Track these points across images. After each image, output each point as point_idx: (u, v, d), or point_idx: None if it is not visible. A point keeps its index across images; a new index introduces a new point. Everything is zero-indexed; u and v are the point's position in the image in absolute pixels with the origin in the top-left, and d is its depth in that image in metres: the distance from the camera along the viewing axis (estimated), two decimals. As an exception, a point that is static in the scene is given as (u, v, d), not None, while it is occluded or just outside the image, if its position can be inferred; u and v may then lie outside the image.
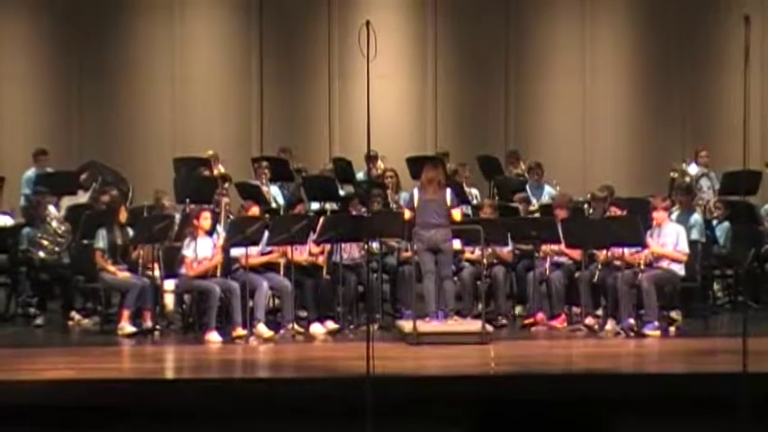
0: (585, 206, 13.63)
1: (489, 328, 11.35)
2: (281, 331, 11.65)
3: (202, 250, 11.64)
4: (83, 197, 14.49)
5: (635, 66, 18.32)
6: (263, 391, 9.20)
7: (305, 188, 14.39)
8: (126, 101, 17.75)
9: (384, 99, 16.86)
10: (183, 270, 11.70)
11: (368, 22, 8.17)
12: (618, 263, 11.83)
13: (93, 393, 8.97)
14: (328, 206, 13.92)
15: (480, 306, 11.86)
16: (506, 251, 12.54)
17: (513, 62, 18.21)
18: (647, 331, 11.54)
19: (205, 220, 11.73)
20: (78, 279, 12.42)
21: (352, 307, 12.38)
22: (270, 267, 11.94)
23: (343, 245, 12.17)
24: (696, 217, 12.97)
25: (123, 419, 8.51)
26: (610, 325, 11.79)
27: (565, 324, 12.17)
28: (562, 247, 12.22)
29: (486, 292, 12.09)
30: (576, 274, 12.16)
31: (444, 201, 11.71)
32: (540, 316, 12.16)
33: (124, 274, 11.88)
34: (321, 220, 12.03)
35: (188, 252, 11.63)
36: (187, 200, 13.38)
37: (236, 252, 11.76)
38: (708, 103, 18.12)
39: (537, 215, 13.58)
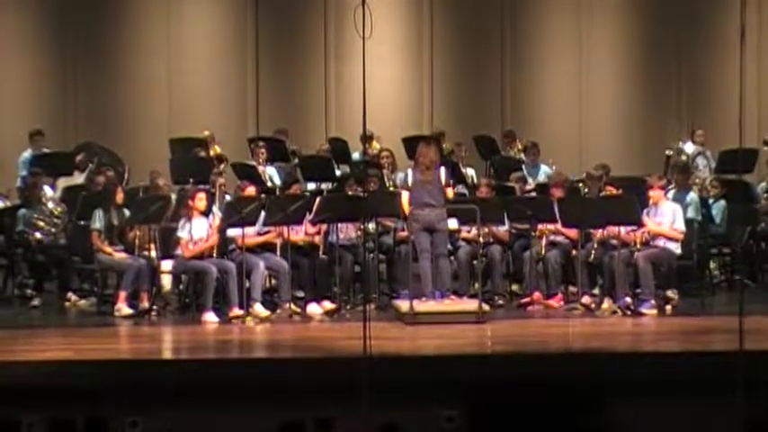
0: (581, 185, 13.62)
1: (486, 307, 11.36)
2: (278, 311, 11.66)
3: (198, 231, 11.63)
4: (79, 178, 14.47)
5: (631, 45, 18.28)
6: (259, 372, 9.21)
7: (301, 168, 14.37)
8: (122, 81, 17.71)
9: (380, 79, 16.81)
10: (179, 251, 11.69)
11: (363, 2, 8.15)
12: (614, 242, 11.83)
13: (90, 374, 8.98)
14: (324, 186, 13.91)
15: (477, 285, 11.86)
16: (503, 230, 12.54)
17: (509, 42, 18.17)
18: (643, 310, 11.55)
19: (200, 200, 11.70)
20: (75, 260, 12.43)
21: (349, 287, 12.38)
22: (266, 248, 11.93)
23: (339, 225, 12.16)
24: (692, 195, 12.98)
25: (120, 400, 8.52)
26: (606, 304, 11.80)
27: (561, 303, 12.18)
28: (558, 226, 12.22)
29: (482, 271, 12.11)
30: (573, 253, 12.17)
31: (439, 180, 11.67)
32: (537, 295, 12.17)
33: (120, 255, 11.87)
34: (318, 200, 12.02)
35: (183, 233, 11.62)
36: (191, 179, 13.30)
37: (232, 232, 11.75)
38: (704, 81, 18.09)
39: (533, 194, 13.58)
